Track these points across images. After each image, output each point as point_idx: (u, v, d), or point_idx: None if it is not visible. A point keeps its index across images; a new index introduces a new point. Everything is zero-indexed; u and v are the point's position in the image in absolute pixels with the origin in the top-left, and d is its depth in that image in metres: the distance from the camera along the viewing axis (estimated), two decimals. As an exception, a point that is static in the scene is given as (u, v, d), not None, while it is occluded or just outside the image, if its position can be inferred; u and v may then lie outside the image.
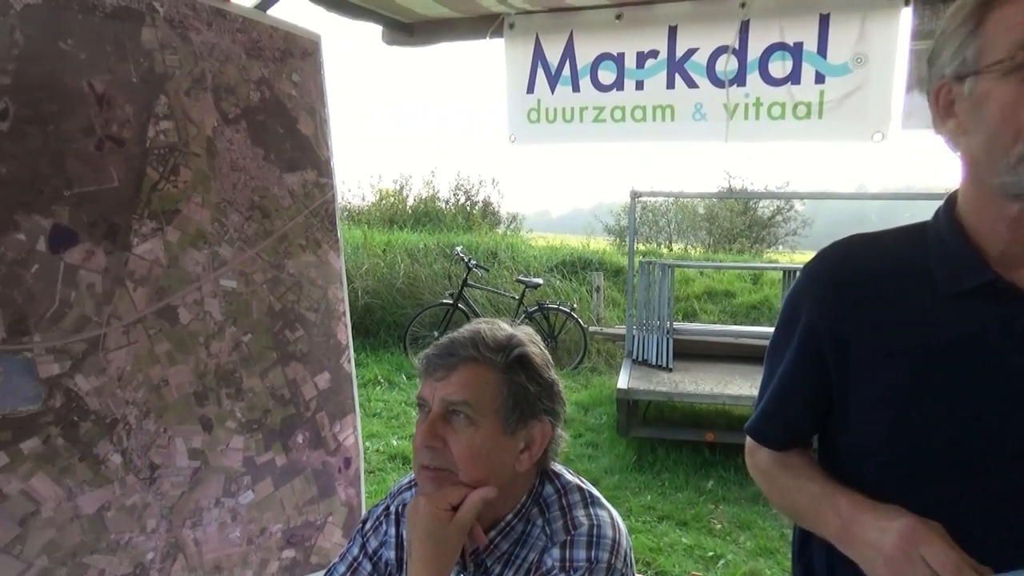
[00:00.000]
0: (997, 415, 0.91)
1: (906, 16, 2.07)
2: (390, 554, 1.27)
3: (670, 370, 5.56)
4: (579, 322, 7.67)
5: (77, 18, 1.61)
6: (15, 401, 1.55)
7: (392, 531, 1.28)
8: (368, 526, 1.33)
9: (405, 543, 1.12)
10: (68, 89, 1.60)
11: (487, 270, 8.93)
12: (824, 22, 2.09)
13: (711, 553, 3.82)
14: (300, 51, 2.04)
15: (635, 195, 5.93)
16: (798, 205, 15.48)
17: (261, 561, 1.96)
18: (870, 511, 0.93)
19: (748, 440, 1.20)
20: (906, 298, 0.98)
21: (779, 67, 2.13)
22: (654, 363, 5.70)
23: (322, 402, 2.08)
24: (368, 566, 1.28)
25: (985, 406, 0.91)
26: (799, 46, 2.09)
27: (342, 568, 1.30)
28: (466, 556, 1.18)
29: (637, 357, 5.85)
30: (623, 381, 5.19)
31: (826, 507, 0.99)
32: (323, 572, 1.32)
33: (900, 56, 2.01)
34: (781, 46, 2.11)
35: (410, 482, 1.29)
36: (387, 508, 1.32)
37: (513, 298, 8.24)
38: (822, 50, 2.08)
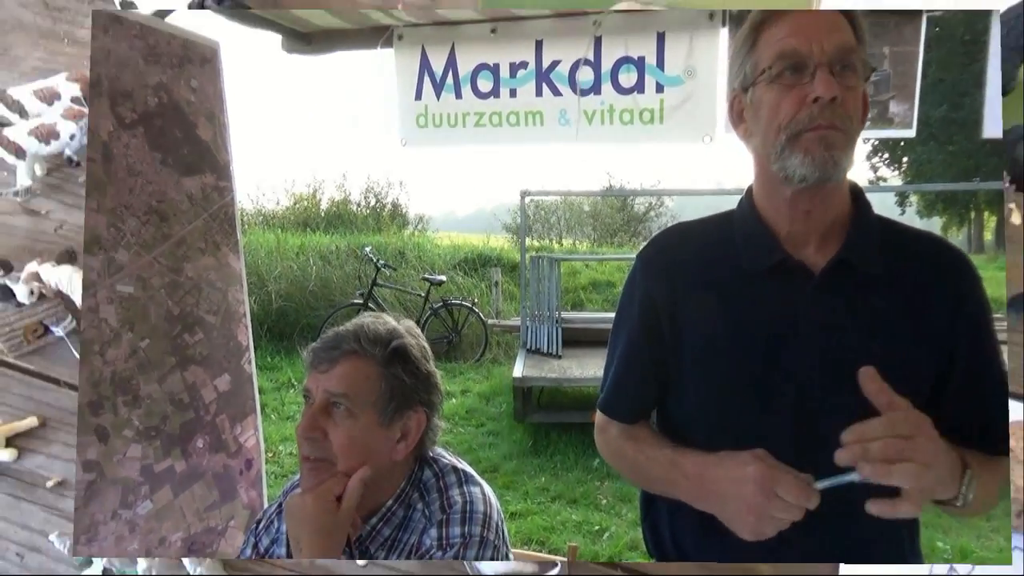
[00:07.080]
0: (795, 377, 1.05)
1: (724, 36, 2.39)
2: (282, 551, 1.27)
3: (560, 357, 5.83)
4: (480, 316, 7.87)
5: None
6: None
7: (284, 528, 1.25)
8: (261, 525, 1.33)
9: (290, 539, 1.13)
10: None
11: (395, 269, 9.02)
12: (660, 39, 2.40)
13: (597, 527, 4.07)
14: (199, 58, 2.03)
15: (524, 194, 6.21)
16: (668, 201, 16.27)
17: (161, 572, 1.88)
18: (715, 466, 1.03)
19: (598, 418, 1.28)
20: (721, 276, 1.11)
21: (626, 78, 2.44)
22: (545, 351, 5.96)
23: (223, 405, 2.03)
24: None
25: (787, 369, 1.05)
26: (642, 60, 2.41)
27: None
28: (351, 544, 1.20)
29: (530, 346, 6.11)
30: (518, 370, 5.43)
31: (675, 472, 1.10)
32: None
33: (721, 70, 2.34)
34: (627, 59, 2.42)
35: None
36: (279, 506, 1.31)
37: (419, 295, 8.35)
38: (660, 63, 2.40)
